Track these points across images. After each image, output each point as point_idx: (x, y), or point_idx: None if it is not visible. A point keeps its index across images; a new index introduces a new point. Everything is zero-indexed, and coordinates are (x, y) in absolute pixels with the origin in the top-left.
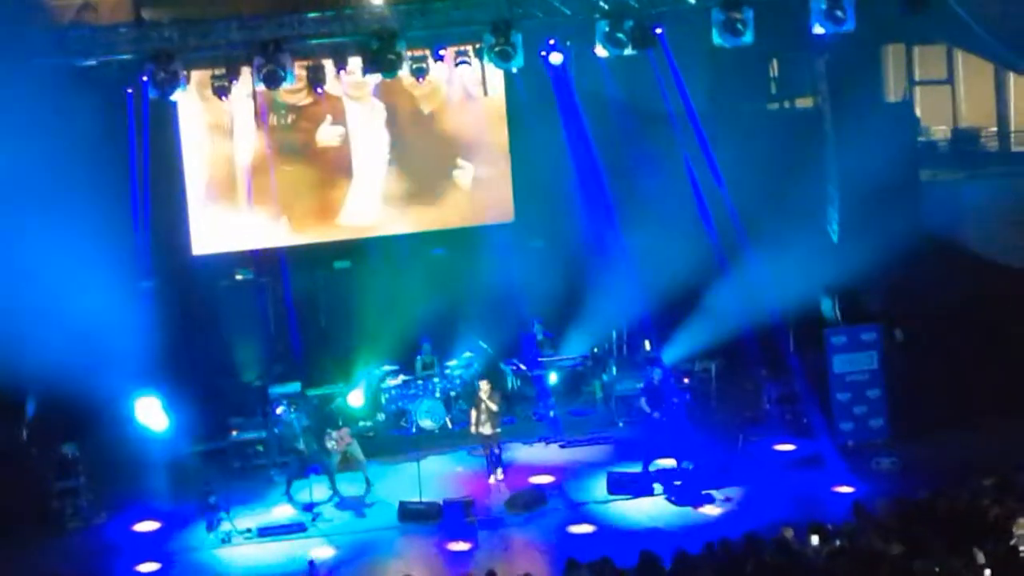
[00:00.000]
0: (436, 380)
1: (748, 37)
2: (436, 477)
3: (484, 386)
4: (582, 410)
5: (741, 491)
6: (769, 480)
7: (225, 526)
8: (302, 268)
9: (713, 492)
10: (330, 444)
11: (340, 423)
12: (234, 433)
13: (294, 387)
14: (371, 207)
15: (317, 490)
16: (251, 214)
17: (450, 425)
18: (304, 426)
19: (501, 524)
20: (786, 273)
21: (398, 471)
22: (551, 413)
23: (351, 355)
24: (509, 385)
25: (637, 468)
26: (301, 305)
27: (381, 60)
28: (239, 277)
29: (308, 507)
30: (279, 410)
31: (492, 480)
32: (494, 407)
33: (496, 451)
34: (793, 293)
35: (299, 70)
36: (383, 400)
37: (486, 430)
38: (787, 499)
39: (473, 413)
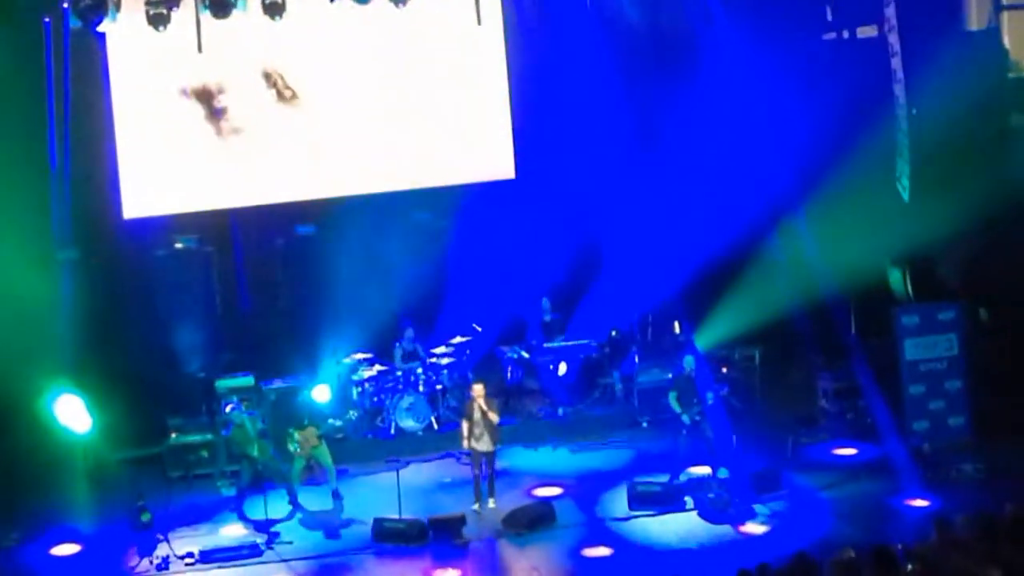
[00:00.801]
0: (420, 371)
1: None
2: (420, 489)
3: (479, 390)
4: (598, 407)
5: (791, 505)
6: (826, 492)
7: (161, 550)
8: (257, 234)
9: (757, 507)
10: (292, 447)
11: (304, 422)
12: (173, 436)
13: (246, 380)
14: (341, 160)
15: (274, 505)
16: (194, 169)
17: (436, 426)
18: (259, 428)
19: (499, 547)
20: (846, 240)
21: (373, 481)
22: (560, 411)
23: (316, 340)
24: (509, 376)
25: (665, 478)
26: (255, 280)
27: None
28: (179, 245)
29: (263, 526)
30: (228, 408)
31: (477, 508)
32: (494, 417)
33: (488, 471)
34: (855, 264)
35: None
36: (355, 395)
37: (482, 445)
38: (848, 515)
39: (465, 425)
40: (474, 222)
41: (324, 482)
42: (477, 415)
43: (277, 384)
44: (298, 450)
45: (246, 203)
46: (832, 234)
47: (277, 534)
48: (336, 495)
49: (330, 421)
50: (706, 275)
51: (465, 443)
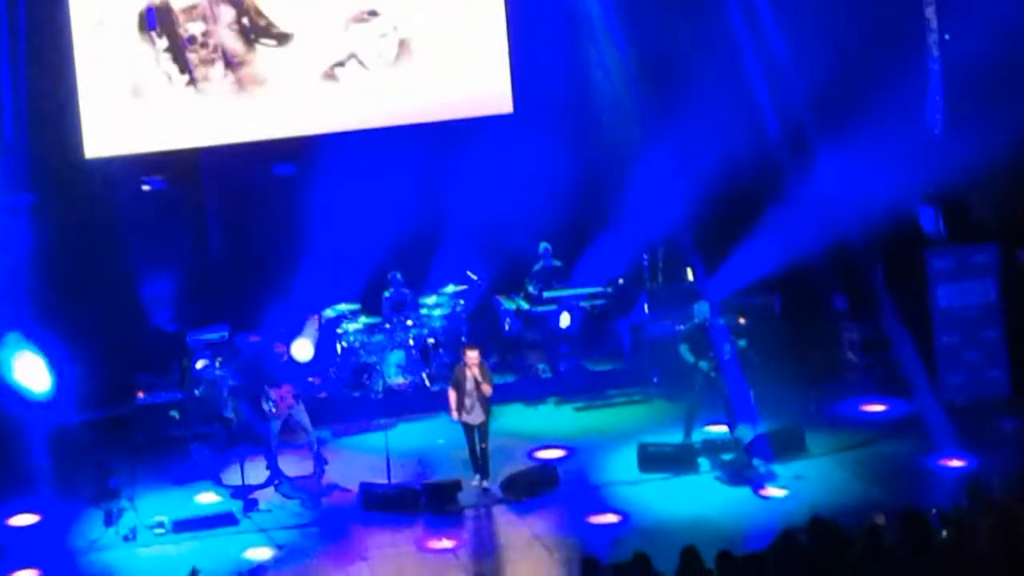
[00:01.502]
0: (409, 323)
1: None
2: (410, 452)
3: (473, 356)
4: (603, 361)
5: (814, 467)
6: (852, 452)
7: (129, 519)
8: (230, 175)
9: (777, 469)
10: (267, 407)
11: (280, 380)
12: (140, 396)
13: (220, 333)
14: (323, 95)
15: (252, 470)
16: (161, 104)
17: (428, 383)
18: (233, 385)
19: (497, 514)
20: (873, 176)
21: (359, 444)
22: (562, 366)
23: (296, 291)
24: (507, 328)
25: (677, 438)
26: (229, 225)
27: None
28: (146, 188)
29: (239, 493)
30: (200, 364)
31: (477, 484)
32: (487, 389)
33: (482, 444)
34: (883, 202)
35: None
36: (339, 350)
37: (473, 417)
38: (876, 477)
39: (453, 394)
40: (469, 161)
41: (305, 445)
42: (470, 384)
43: (253, 339)
44: (274, 409)
45: (219, 141)
46: (858, 170)
47: (255, 501)
48: (319, 459)
49: (309, 381)
50: (720, 215)
51: (454, 414)
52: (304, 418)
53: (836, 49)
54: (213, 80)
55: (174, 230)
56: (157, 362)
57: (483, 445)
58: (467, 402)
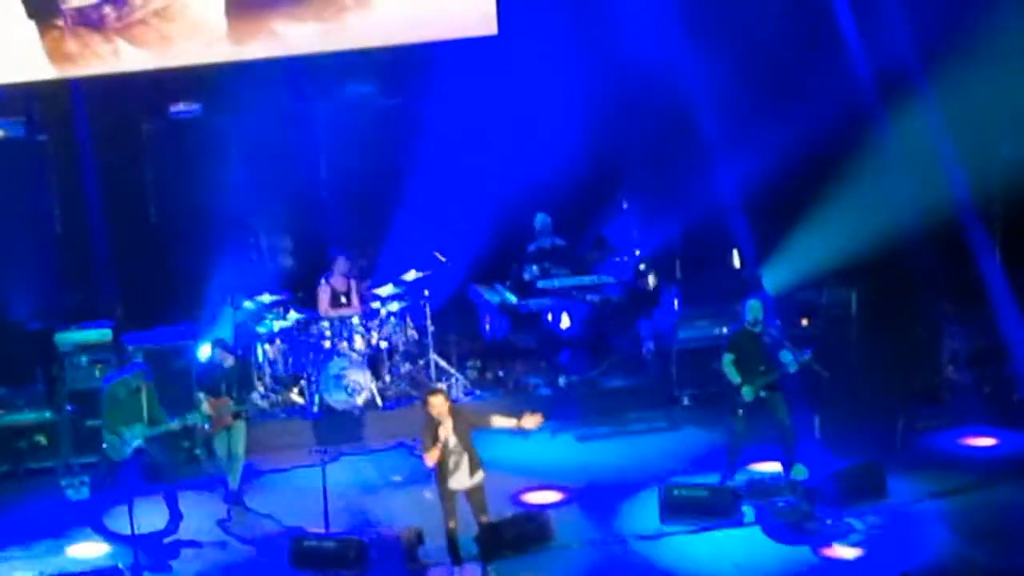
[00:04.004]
0: (356, 322)
1: None
2: (355, 492)
3: (438, 405)
4: (617, 376)
5: (898, 519)
6: (948, 499)
7: None
8: (114, 117)
9: (848, 520)
10: (200, 420)
11: (221, 388)
12: None
13: (101, 333)
14: (238, 6)
15: (146, 511)
16: (19, 21)
17: (380, 401)
18: (135, 388)
19: (472, 575)
20: (989, 131)
21: (287, 482)
22: (562, 381)
23: (203, 275)
24: (488, 330)
25: (714, 478)
26: (112, 183)
27: None
28: (0, 133)
29: (129, 542)
30: (95, 368)
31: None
32: (465, 441)
33: (482, 519)
34: (1001, 166)
35: None
36: (260, 357)
37: (459, 480)
38: (981, 533)
39: (427, 454)
40: (438, 100)
41: (231, 473)
42: (449, 437)
43: (146, 341)
44: (207, 427)
45: (96, 71)
46: (969, 123)
47: (151, 554)
48: (237, 498)
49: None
50: (779, 181)
51: (429, 460)
52: (241, 441)
53: None
54: None
55: (36, 191)
56: (15, 370)
57: (483, 518)
58: (450, 461)
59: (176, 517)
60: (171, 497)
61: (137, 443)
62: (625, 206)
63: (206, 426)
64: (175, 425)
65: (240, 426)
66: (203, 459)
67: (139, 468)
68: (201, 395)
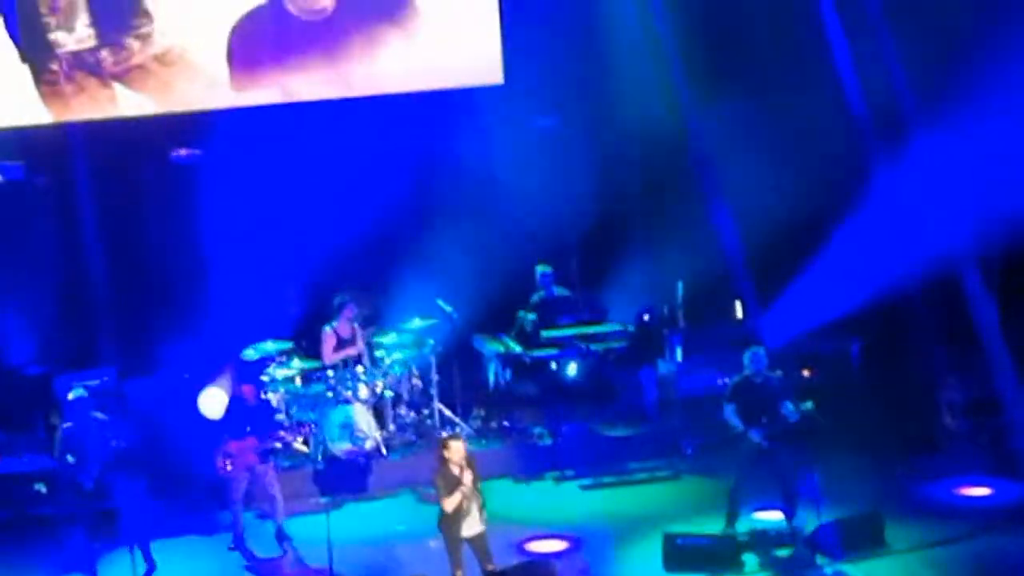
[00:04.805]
0: (360, 370)
1: None
2: (359, 542)
3: (458, 449)
4: (620, 424)
5: (897, 567)
6: (947, 548)
7: None
8: (114, 162)
9: (848, 569)
10: (220, 462)
11: (242, 432)
12: None
13: (100, 377)
14: (244, 53)
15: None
16: (18, 65)
17: (384, 450)
18: (118, 448)
19: None
20: (987, 178)
21: (293, 530)
22: (564, 429)
23: (206, 322)
24: (493, 380)
25: (716, 527)
26: (113, 228)
27: None
28: None
29: None
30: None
31: None
32: (477, 487)
33: (490, 568)
34: (1000, 214)
35: None
36: (254, 408)
37: (472, 527)
38: None
39: (448, 500)
40: (444, 147)
41: (270, 516)
42: (465, 483)
43: (148, 384)
44: (228, 467)
45: (94, 116)
46: (967, 170)
47: None
48: (282, 535)
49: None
50: (783, 231)
51: (448, 505)
52: (274, 483)
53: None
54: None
55: (36, 235)
56: (15, 417)
57: (490, 566)
58: (464, 506)
59: (150, 567)
60: (144, 545)
61: (91, 483)
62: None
63: (228, 466)
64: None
65: (267, 468)
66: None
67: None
68: (225, 437)
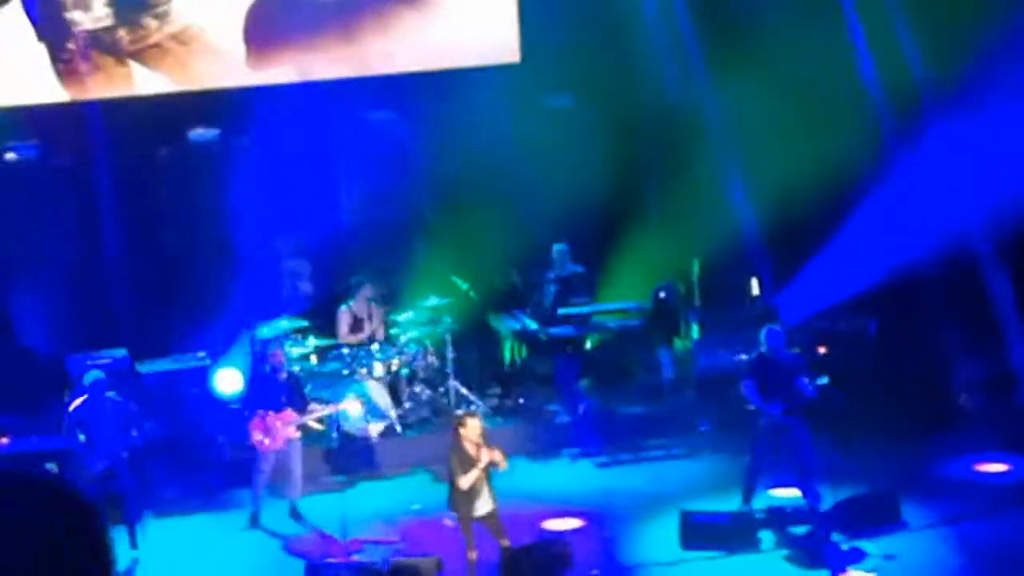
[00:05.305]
0: (375, 348)
1: None
2: (374, 518)
3: (475, 426)
4: (636, 402)
5: (913, 544)
6: (963, 525)
7: None
8: (131, 141)
9: (864, 546)
10: (258, 437)
11: (280, 403)
12: (3, 442)
13: (114, 358)
14: (260, 31)
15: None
16: (34, 44)
17: (399, 428)
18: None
19: None
20: (1003, 158)
21: (307, 508)
22: (581, 408)
23: (221, 301)
24: (508, 358)
25: (733, 505)
26: (129, 208)
27: None
28: (11, 156)
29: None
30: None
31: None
32: (501, 461)
33: (505, 543)
34: (1015, 195)
35: None
36: (286, 380)
37: (483, 506)
38: (993, 560)
39: (463, 477)
40: (458, 126)
41: (286, 494)
42: (467, 458)
43: (160, 364)
44: (266, 441)
45: (110, 94)
46: (984, 150)
47: None
48: (297, 514)
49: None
50: (799, 211)
51: (458, 507)
52: (298, 460)
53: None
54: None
55: (52, 214)
56: (27, 397)
57: (505, 542)
58: (479, 485)
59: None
60: (131, 528)
61: (102, 466)
62: None
63: (266, 440)
64: (137, 441)
65: (297, 441)
66: (220, 487)
67: (105, 494)
68: (258, 412)
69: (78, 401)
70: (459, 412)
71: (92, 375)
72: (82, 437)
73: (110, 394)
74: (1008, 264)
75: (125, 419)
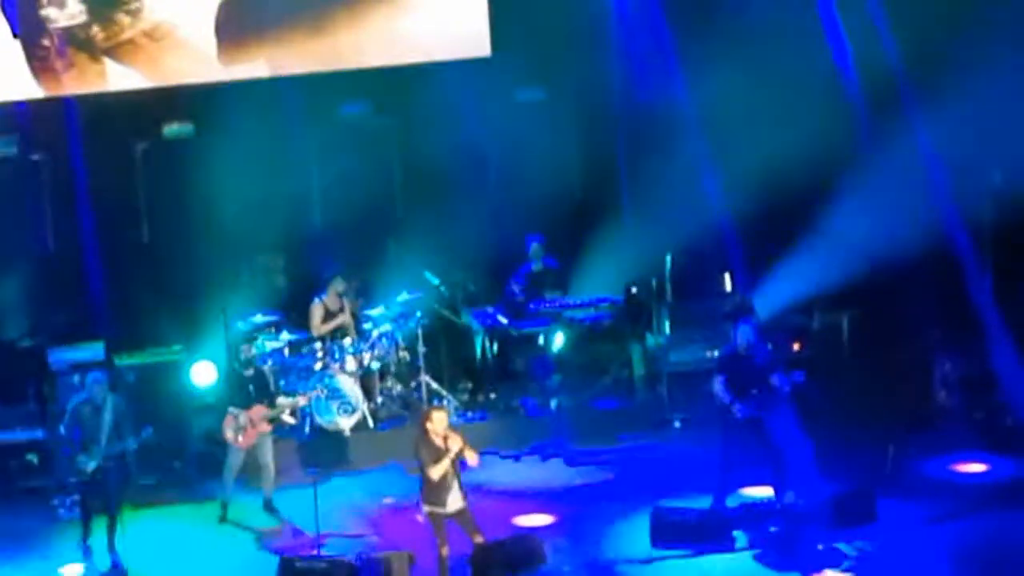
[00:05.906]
0: (347, 342)
1: None
2: (345, 513)
3: (440, 420)
4: (608, 398)
5: (888, 544)
6: (939, 525)
7: None
8: (106, 138)
9: (839, 545)
10: (230, 434)
11: (251, 394)
12: None
13: (92, 351)
14: (232, 26)
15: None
16: (7, 42)
17: (371, 422)
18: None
19: None
20: (981, 153)
21: (279, 502)
22: (553, 403)
23: (196, 295)
24: (480, 353)
25: (705, 502)
26: (105, 202)
27: None
28: None
29: (113, 563)
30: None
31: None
32: (473, 458)
33: (478, 540)
34: (994, 188)
35: None
36: (253, 376)
37: (453, 502)
38: (972, 560)
39: (434, 468)
40: (430, 121)
41: (259, 487)
42: (450, 458)
43: (136, 358)
44: (240, 438)
45: (85, 90)
46: (961, 144)
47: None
48: (270, 507)
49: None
50: (773, 205)
51: (435, 473)
52: (269, 454)
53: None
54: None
55: (29, 209)
56: (6, 389)
57: (478, 538)
58: (448, 480)
59: (112, 549)
60: (112, 519)
61: (93, 465)
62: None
63: (239, 436)
64: (131, 445)
65: (268, 435)
66: (194, 479)
67: (93, 490)
68: (231, 408)
69: (78, 400)
70: (426, 407)
71: (93, 375)
72: (70, 431)
73: (110, 395)
74: (987, 259)
75: (122, 422)
